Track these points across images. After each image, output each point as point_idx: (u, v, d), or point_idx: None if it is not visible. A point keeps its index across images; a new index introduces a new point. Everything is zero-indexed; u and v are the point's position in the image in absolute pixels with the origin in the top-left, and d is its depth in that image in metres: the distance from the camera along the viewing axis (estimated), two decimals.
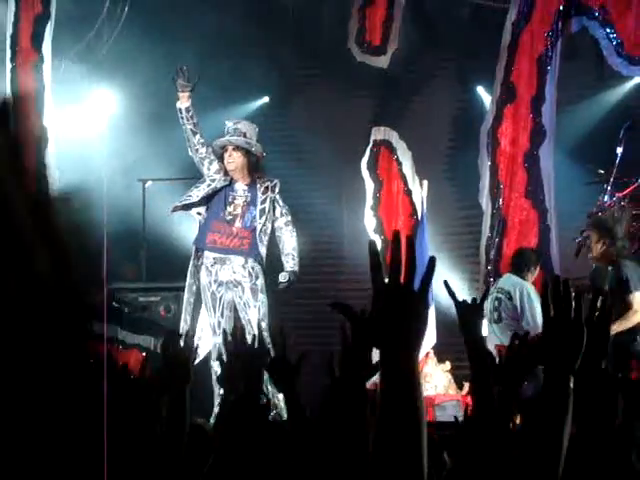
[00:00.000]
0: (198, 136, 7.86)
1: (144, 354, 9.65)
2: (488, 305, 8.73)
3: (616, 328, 7.32)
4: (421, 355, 9.20)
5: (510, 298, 8.40)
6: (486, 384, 2.98)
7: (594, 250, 7.94)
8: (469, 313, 3.12)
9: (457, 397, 8.87)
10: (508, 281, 8.57)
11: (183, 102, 7.86)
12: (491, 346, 8.88)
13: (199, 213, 8.00)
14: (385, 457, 1.87)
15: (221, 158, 7.92)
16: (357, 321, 2.65)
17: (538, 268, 8.64)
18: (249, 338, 3.67)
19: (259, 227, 7.83)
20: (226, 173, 7.92)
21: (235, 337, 3.72)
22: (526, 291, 8.35)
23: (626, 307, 7.58)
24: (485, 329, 9.24)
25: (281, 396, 7.71)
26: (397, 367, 1.89)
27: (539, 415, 2.42)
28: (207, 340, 7.84)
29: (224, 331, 3.66)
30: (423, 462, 1.86)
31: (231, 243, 7.81)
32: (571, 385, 2.43)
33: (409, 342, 1.93)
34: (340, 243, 11.76)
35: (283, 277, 7.88)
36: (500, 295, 8.50)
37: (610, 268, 7.81)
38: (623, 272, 7.68)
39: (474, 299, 3.26)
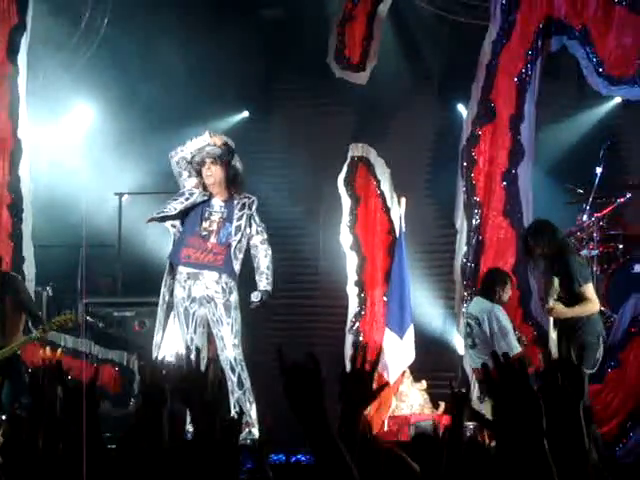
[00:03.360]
0: (187, 155, 7.82)
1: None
2: (462, 330, 8.72)
3: (576, 310, 7.70)
4: (397, 374, 9.13)
5: (479, 324, 8.35)
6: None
7: (538, 252, 8.01)
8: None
9: (433, 416, 8.80)
10: (476, 306, 8.52)
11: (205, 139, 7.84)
12: (469, 370, 8.86)
13: (174, 226, 7.92)
14: None
15: (199, 173, 7.86)
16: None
17: (509, 288, 8.58)
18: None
19: (234, 244, 7.76)
20: (204, 188, 7.86)
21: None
22: (494, 316, 8.30)
23: (577, 298, 7.73)
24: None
25: (254, 414, 7.65)
26: None
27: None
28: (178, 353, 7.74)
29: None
30: None
31: (205, 258, 7.74)
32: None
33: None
34: (316, 259, 11.71)
35: (255, 296, 7.82)
36: (470, 321, 8.47)
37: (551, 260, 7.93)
38: (570, 266, 7.78)
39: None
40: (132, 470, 3.47)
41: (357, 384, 2.83)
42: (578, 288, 7.73)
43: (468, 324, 8.47)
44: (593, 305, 7.81)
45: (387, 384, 8.67)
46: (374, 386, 2.93)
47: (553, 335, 7.72)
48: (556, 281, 7.68)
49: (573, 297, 7.73)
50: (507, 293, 8.52)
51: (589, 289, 7.83)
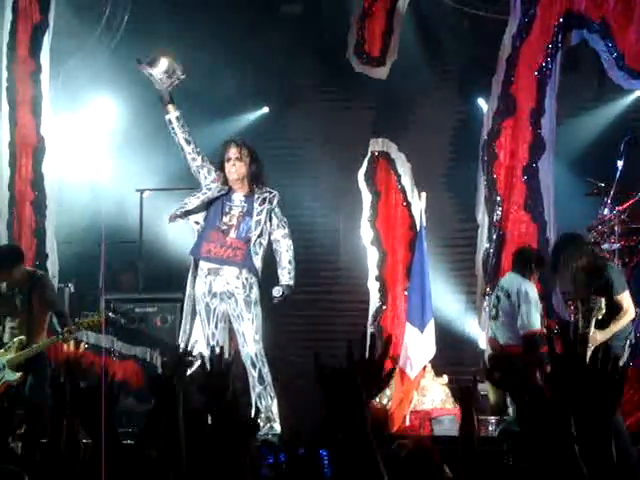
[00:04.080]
0: (192, 145, 7.80)
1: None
2: (490, 301, 8.77)
3: (612, 329, 7.60)
4: (419, 368, 9.14)
5: (508, 296, 8.41)
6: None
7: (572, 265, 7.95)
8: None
9: (454, 411, 8.80)
10: (508, 279, 8.59)
11: (172, 112, 7.79)
12: (487, 340, 8.90)
13: (197, 222, 7.93)
14: None
15: (221, 167, 7.87)
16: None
17: (538, 269, 8.61)
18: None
19: (254, 238, 7.75)
20: (224, 182, 7.86)
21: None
22: (524, 290, 8.35)
23: (616, 308, 7.68)
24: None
25: (275, 409, 7.67)
26: None
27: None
28: (201, 351, 7.78)
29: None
30: None
31: (225, 254, 7.75)
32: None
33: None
34: (337, 254, 11.73)
35: (277, 292, 7.80)
36: (499, 293, 8.53)
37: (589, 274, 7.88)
38: (609, 277, 7.76)
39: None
40: (148, 466, 3.50)
41: (365, 374, 2.82)
42: (616, 297, 7.69)
43: (497, 296, 8.54)
44: (628, 316, 7.79)
45: (393, 370, 8.64)
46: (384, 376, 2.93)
47: (597, 336, 7.63)
48: (602, 302, 7.62)
49: (611, 307, 7.70)
50: (536, 274, 8.58)
51: (626, 297, 7.79)
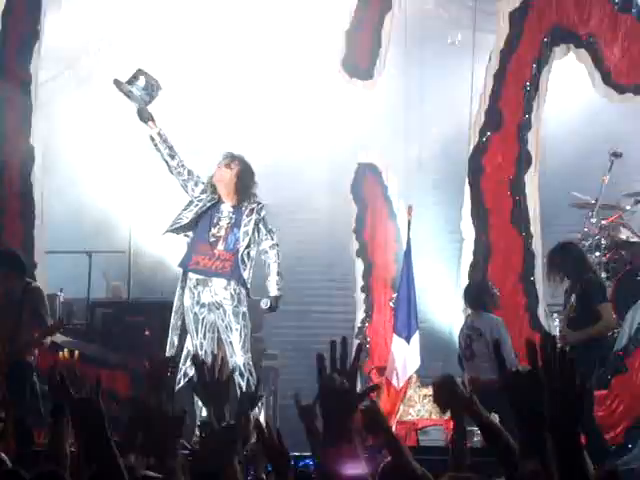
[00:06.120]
0: (177, 159, 7.89)
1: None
2: (460, 342, 8.66)
3: (587, 331, 7.81)
4: (404, 380, 9.20)
5: (480, 334, 8.32)
6: None
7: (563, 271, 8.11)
8: None
9: (440, 422, 8.86)
10: (476, 319, 8.49)
11: (153, 128, 7.86)
12: (467, 380, 8.88)
13: (187, 235, 8.00)
14: None
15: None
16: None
17: (491, 302, 8.62)
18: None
19: (241, 250, 7.81)
20: (213, 191, 7.92)
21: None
22: (497, 328, 8.29)
23: (593, 316, 7.84)
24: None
25: (262, 419, 7.72)
26: None
27: None
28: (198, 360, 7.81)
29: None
30: None
31: (213, 265, 7.80)
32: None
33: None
34: (325, 265, 11.78)
35: (265, 304, 7.86)
36: (470, 332, 8.43)
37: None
38: (591, 285, 7.95)
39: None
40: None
41: (336, 387, 2.76)
42: (595, 306, 7.82)
43: (468, 335, 8.45)
44: (605, 326, 7.94)
45: (377, 386, 8.66)
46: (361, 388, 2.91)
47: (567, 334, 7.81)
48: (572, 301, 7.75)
49: (590, 315, 7.81)
50: (495, 304, 8.57)
51: (606, 308, 7.92)
